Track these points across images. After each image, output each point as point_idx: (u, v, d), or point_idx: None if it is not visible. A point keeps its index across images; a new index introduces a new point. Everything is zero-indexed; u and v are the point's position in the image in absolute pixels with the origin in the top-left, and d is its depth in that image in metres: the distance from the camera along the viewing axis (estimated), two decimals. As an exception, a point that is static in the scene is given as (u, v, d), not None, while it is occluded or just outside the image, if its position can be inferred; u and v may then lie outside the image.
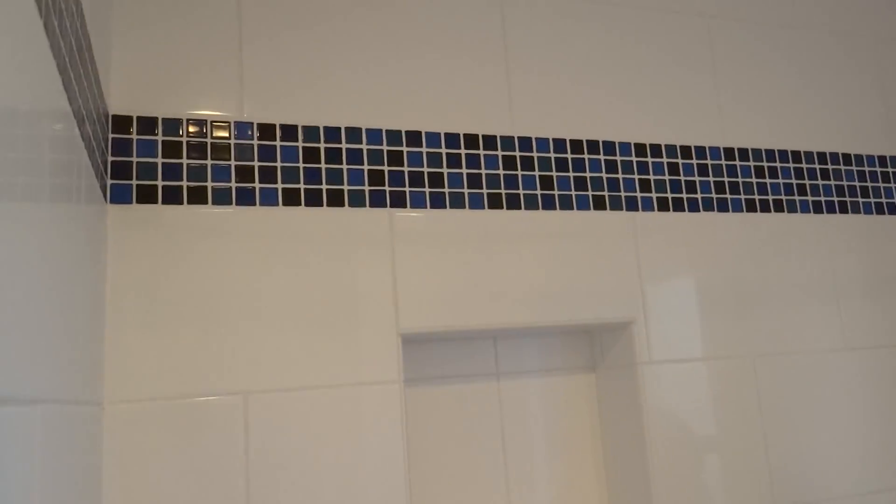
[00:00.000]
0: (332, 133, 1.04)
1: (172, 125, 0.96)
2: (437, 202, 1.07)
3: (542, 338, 1.21)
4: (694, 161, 1.25)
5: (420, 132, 1.09)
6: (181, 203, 0.94)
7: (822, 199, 1.33)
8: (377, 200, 1.04)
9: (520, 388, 1.18)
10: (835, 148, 1.36)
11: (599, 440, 1.21)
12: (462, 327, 1.05)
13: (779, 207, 1.29)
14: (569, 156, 1.17)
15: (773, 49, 1.36)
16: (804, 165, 1.33)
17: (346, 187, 1.03)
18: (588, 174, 1.17)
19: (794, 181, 1.31)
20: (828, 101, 1.38)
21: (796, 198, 1.31)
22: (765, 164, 1.30)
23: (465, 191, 1.09)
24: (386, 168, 1.06)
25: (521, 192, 1.12)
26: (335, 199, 1.02)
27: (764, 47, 1.35)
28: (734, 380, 1.19)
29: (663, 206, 1.21)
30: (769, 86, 1.34)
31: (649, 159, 1.22)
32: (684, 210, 1.22)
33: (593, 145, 1.19)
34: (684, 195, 1.23)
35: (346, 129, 1.05)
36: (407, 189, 1.06)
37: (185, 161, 0.96)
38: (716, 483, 1.14)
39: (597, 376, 1.22)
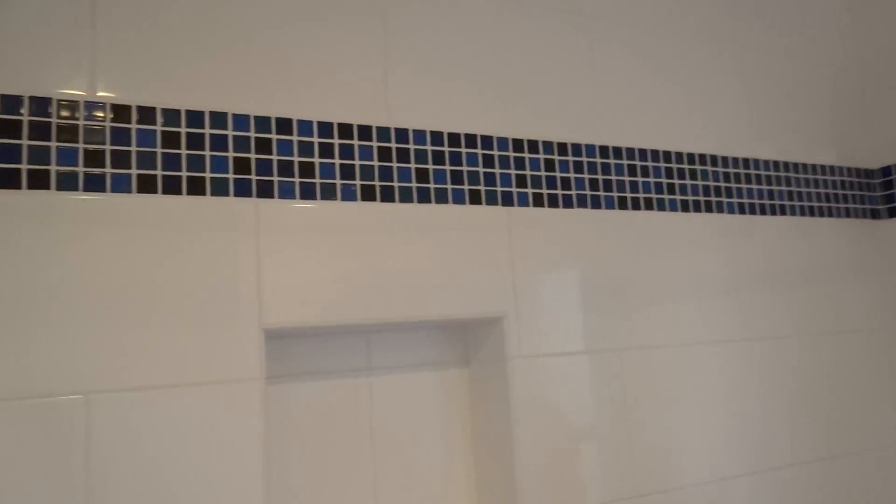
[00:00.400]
0: (195, 117, 0.98)
1: (11, 102, 0.88)
2: (308, 193, 1.04)
3: (415, 332, 1.20)
4: (570, 158, 1.27)
5: (291, 119, 1.05)
6: (19, 188, 0.87)
7: (690, 198, 1.38)
8: (242, 190, 0.99)
9: (392, 384, 1.17)
10: (702, 149, 1.42)
11: (471, 436, 1.21)
12: (331, 322, 1.02)
13: (649, 205, 1.33)
14: (446, 149, 1.16)
15: (647, 52, 1.39)
16: (674, 165, 1.38)
17: (208, 175, 0.98)
18: (465, 168, 1.17)
19: (664, 180, 1.36)
20: (696, 103, 1.44)
21: (665, 196, 1.35)
22: (637, 162, 1.33)
23: (338, 182, 1.06)
24: (253, 156, 1.01)
25: (395, 184, 1.11)
26: (196, 188, 0.96)
27: (639, 50, 1.38)
28: (602, 373, 1.22)
29: (538, 201, 1.22)
30: (642, 87, 1.37)
31: (526, 155, 1.22)
32: (559, 206, 1.24)
33: (471, 139, 1.18)
34: (559, 191, 1.24)
35: (211, 113, 0.99)
36: (275, 179, 1.02)
37: (24, 142, 0.88)
38: (581, 475, 1.17)
39: (469, 371, 1.22)
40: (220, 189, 0.98)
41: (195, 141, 0.98)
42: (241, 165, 1.00)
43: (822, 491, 1.43)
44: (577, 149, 1.27)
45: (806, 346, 1.48)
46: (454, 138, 1.17)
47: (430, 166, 1.14)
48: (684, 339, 1.32)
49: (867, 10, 1.69)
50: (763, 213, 1.47)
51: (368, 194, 1.08)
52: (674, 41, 1.43)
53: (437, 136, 1.15)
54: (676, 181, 1.37)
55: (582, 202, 1.26)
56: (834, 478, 1.45)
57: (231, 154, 1.00)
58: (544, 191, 1.23)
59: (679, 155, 1.39)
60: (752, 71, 1.53)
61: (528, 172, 1.22)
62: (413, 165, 1.12)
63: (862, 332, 1.57)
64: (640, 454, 1.23)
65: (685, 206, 1.37)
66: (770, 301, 1.45)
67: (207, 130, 0.99)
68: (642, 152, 1.34)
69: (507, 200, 1.19)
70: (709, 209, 1.40)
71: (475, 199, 1.16)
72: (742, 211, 1.45)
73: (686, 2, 1.47)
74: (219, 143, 0.99)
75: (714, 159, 1.43)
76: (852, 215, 1.61)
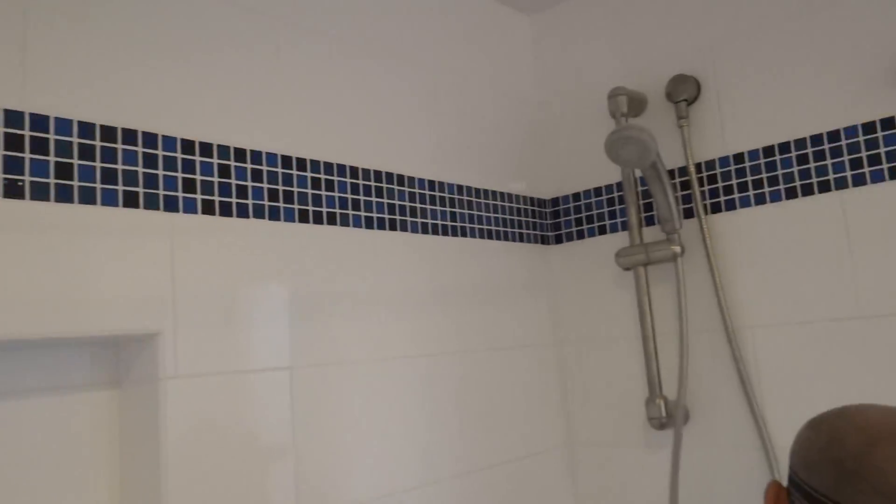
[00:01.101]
0: None
1: None
2: None
3: (53, 351, 1.04)
4: (248, 165, 1.20)
5: None
6: None
7: (375, 215, 1.39)
8: None
9: (16, 411, 0.99)
10: (389, 167, 1.44)
11: (119, 468, 1.08)
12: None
13: (332, 220, 1.31)
14: (97, 143, 1.02)
15: (338, 64, 1.38)
16: (360, 181, 1.38)
17: None
18: (120, 166, 1.04)
19: (349, 196, 1.35)
20: (386, 121, 1.46)
21: (350, 212, 1.35)
22: (322, 175, 1.31)
23: (-57, 170, 0.88)
24: None
25: (27, 178, 0.95)
26: None
27: (329, 61, 1.37)
28: (268, 392, 1.16)
29: (208, 209, 1.13)
30: (331, 100, 1.36)
31: (197, 158, 1.13)
32: (232, 215, 1.16)
33: (130, 135, 1.06)
34: (234, 199, 1.17)
35: None
36: None
37: None
38: (238, 498, 1.10)
39: (120, 394, 1.09)
40: None
41: None
42: None
43: (496, 495, 1.51)
44: (256, 156, 1.21)
45: (481, 360, 1.57)
46: (109, 132, 1.04)
47: (76, 161, 1.00)
48: (367, 355, 1.32)
49: (546, 52, 1.87)
50: (446, 234, 1.54)
51: (-13, 188, 0.91)
52: (366, 57, 1.44)
53: (86, 128, 1.01)
54: (362, 198, 1.37)
55: (259, 213, 1.20)
56: (507, 482, 1.55)
57: None
58: (216, 198, 1.15)
59: (366, 172, 1.39)
60: (442, 96, 1.60)
61: (197, 177, 1.13)
62: (52, 158, 0.97)
63: (531, 348, 1.71)
64: (317, 472, 1.20)
65: (370, 223, 1.38)
66: (451, 318, 1.51)
67: None
68: (328, 166, 1.32)
69: (171, 206, 1.09)
70: (393, 227, 1.42)
71: (131, 201, 1.04)
72: (426, 231, 1.49)
73: (383, 20, 1.49)
74: None
75: (401, 179, 1.46)
76: (526, 240, 1.75)
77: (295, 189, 1.26)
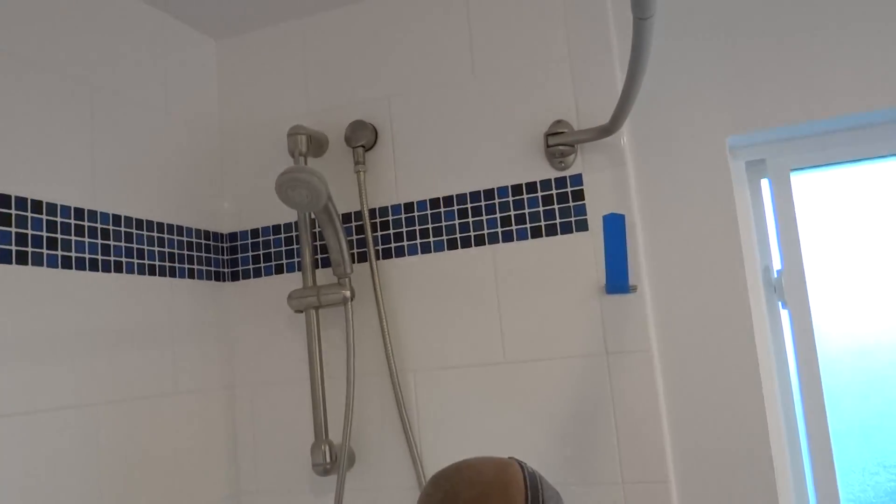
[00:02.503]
0: None
1: None
2: None
3: None
4: None
5: None
6: None
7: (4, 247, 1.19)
8: None
9: None
10: (21, 192, 1.24)
11: None
12: None
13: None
14: None
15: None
16: (-22, 206, 1.17)
17: None
18: None
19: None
20: (19, 139, 1.26)
21: (-41, 242, 1.13)
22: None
23: None
24: None
25: None
26: None
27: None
28: None
29: None
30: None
31: None
32: None
33: None
34: None
35: None
36: None
37: None
38: None
39: None
40: None
41: None
42: None
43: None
44: None
45: (138, 409, 1.42)
46: None
47: None
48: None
49: (231, 80, 1.78)
50: (95, 269, 1.37)
51: None
52: (10, 70, 1.23)
53: None
54: (-20, 225, 1.17)
55: None
56: (147, 548, 1.40)
57: None
58: None
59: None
60: (100, 116, 1.43)
61: None
62: None
63: (199, 392, 1.59)
64: None
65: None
66: (103, 363, 1.34)
67: None
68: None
69: None
70: (23, 261, 1.23)
71: None
72: (68, 266, 1.31)
73: (31, 26, 1.29)
74: None
75: (37, 205, 1.27)
76: (198, 276, 1.64)
77: None
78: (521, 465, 0.87)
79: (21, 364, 1.20)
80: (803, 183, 1.48)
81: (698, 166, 1.44)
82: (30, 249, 1.25)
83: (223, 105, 1.78)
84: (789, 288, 1.44)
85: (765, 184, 1.51)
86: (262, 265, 1.70)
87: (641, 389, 1.38)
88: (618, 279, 1.39)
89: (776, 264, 1.48)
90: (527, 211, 1.49)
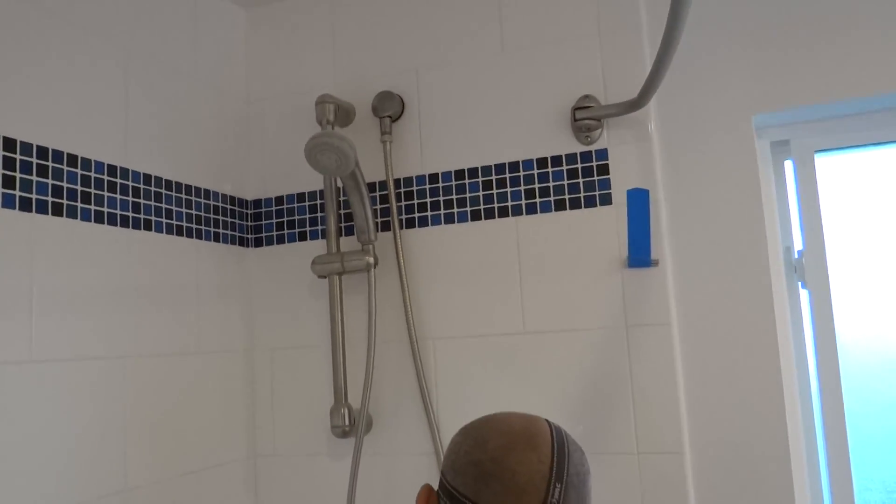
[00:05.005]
0: None
1: None
2: None
3: None
4: None
5: None
6: None
7: (34, 196, 1.21)
8: None
9: None
10: (58, 145, 1.27)
11: None
12: None
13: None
14: None
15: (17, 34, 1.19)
16: (17, 156, 1.19)
17: None
18: None
19: None
20: (57, 93, 1.28)
21: (-1, 190, 1.16)
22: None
23: None
24: None
25: None
26: None
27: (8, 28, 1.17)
28: None
29: None
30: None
31: None
32: None
33: None
34: None
35: None
36: None
37: None
38: None
39: None
40: None
41: None
42: None
43: (152, 516, 1.39)
44: None
45: (160, 366, 1.44)
46: None
47: None
48: (27, 356, 1.13)
49: (260, 49, 1.80)
50: (126, 226, 1.39)
51: None
52: (40, 17, 1.25)
53: None
54: (18, 175, 1.19)
55: None
56: (182, 497, 1.43)
57: None
58: None
59: (26, 146, 1.21)
60: (134, 77, 1.46)
61: None
62: None
63: (219, 354, 1.62)
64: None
65: (26, 206, 1.19)
66: (128, 319, 1.37)
67: None
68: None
69: None
70: (58, 213, 1.25)
71: None
72: (100, 220, 1.34)
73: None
74: None
75: (73, 159, 1.29)
76: (223, 241, 1.66)
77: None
78: (548, 421, 0.89)
79: (53, 313, 1.23)
80: (827, 164, 1.49)
81: (723, 143, 1.45)
82: (65, 202, 1.27)
83: (251, 73, 1.80)
84: (810, 269, 1.45)
85: (788, 165, 1.52)
86: (286, 231, 1.73)
87: (659, 362, 1.40)
88: (640, 253, 1.40)
89: (797, 245, 1.49)
90: (551, 184, 1.51)
